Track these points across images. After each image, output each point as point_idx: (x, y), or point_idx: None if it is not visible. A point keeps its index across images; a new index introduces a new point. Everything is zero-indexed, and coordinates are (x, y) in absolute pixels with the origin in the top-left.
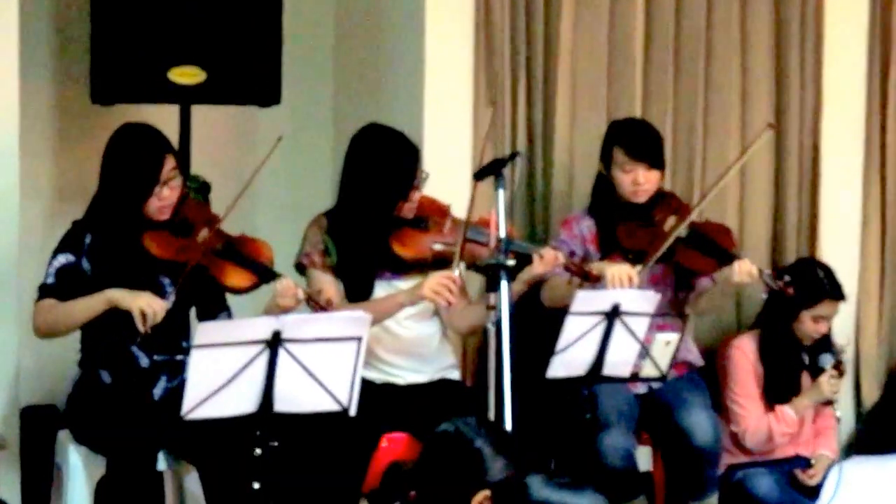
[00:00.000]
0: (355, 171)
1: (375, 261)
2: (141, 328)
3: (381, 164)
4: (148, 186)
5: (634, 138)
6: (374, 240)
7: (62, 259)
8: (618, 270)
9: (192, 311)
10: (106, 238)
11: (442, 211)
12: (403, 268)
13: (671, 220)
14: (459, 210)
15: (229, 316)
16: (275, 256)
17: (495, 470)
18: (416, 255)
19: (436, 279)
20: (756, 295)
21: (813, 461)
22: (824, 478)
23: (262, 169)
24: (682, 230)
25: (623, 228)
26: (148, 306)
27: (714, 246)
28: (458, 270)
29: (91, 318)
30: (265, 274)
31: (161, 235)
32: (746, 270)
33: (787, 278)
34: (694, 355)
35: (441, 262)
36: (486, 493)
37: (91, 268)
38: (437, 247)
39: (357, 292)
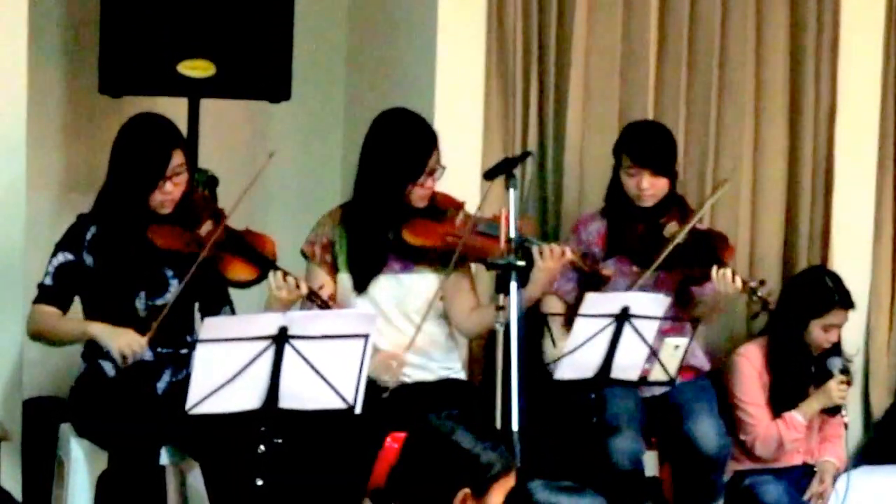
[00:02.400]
0: (370, 151)
1: (385, 247)
2: (121, 365)
3: (394, 142)
4: (152, 179)
5: (640, 144)
6: (385, 225)
7: (61, 258)
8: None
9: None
10: (110, 229)
11: (456, 205)
12: (412, 257)
13: (673, 226)
14: (473, 208)
15: (232, 310)
16: (281, 251)
17: (477, 463)
18: (425, 243)
19: (383, 357)
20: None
21: (816, 468)
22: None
23: (272, 165)
24: (681, 237)
25: (630, 231)
26: (127, 346)
27: (708, 253)
28: (408, 355)
29: (73, 343)
30: (268, 268)
31: (166, 228)
32: (725, 281)
33: (764, 283)
34: (700, 360)
35: (449, 254)
36: (466, 491)
37: (94, 261)
38: (449, 238)
39: (363, 281)
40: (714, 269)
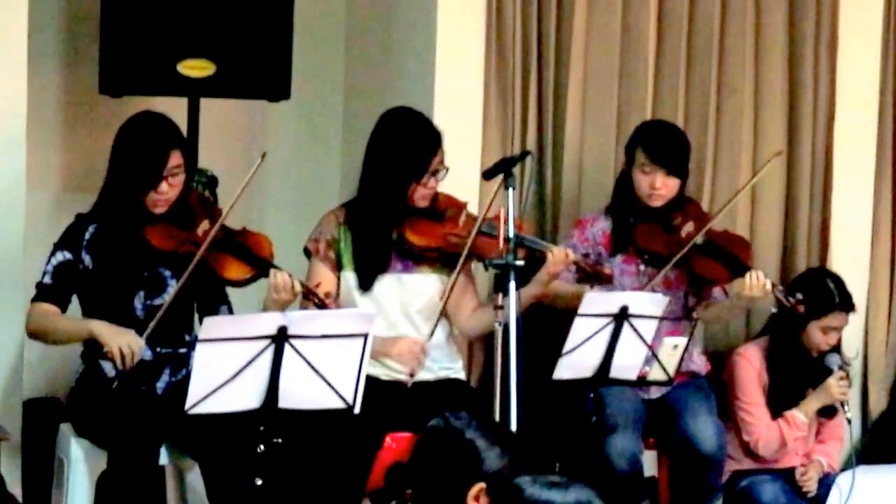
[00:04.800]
0: (374, 148)
1: (388, 247)
2: (119, 366)
3: (397, 140)
4: (148, 179)
5: (657, 142)
6: (388, 224)
7: (60, 257)
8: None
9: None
10: (108, 229)
11: (458, 206)
12: (414, 257)
13: (689, 227)
14: (473, 208)
15: (229, 309)
16: (280, 251)
17: (490, 460)
18: (428, 243)
19: (407, 344)
20: (765, 307)
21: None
22: (829, 487)
23: (271, 164)
24: (699, 238)
25: (642, 229)
26: (127, 346)
27: (729, 256)
28: (430, 339)
29: (73, 341)
30: (264, 267)
31: (163, 228)
32: (759, 284)
33: (799, 296)
34: (697, 364)
35: (453, 255)
36: (481, 485)
37: (92, 260)
38: (451, 238)
39: (368, 279)
40: (749, 274)
